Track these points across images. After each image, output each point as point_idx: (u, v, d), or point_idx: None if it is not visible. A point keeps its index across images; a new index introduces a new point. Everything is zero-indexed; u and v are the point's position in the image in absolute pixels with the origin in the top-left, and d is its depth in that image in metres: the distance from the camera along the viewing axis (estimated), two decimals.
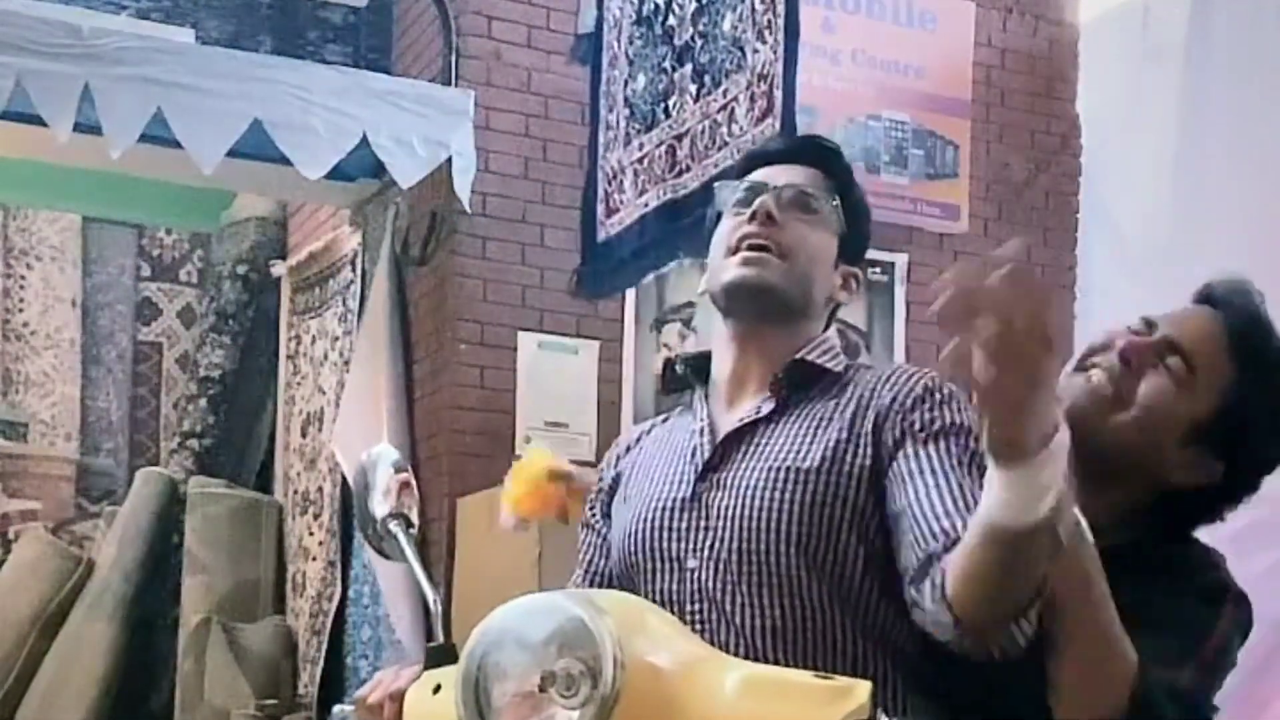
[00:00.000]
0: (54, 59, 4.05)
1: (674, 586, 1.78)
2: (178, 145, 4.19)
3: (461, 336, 4.73)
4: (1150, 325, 1.82)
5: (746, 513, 1.75)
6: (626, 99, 4.13)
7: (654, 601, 1.70)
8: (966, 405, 1.73)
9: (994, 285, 1.37)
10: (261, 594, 5.76)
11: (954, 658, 1.61)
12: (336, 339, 5.57)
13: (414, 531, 1.74)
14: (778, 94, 3.46)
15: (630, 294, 4.78)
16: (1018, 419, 1.40)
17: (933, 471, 1.69)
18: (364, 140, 4.34)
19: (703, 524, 1.78)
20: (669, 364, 1.98)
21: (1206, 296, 1.86)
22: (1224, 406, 1.77)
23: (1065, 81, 5.47)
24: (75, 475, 6.62)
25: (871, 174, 5.01)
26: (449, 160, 4.43)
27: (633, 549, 1.83)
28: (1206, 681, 1.69)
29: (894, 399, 1.76)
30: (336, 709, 1.71)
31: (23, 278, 6.60)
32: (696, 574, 1.77)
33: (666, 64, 3.94)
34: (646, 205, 3.98)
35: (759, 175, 1.90)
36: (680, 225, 3.76)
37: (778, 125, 3.42)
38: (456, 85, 4.71)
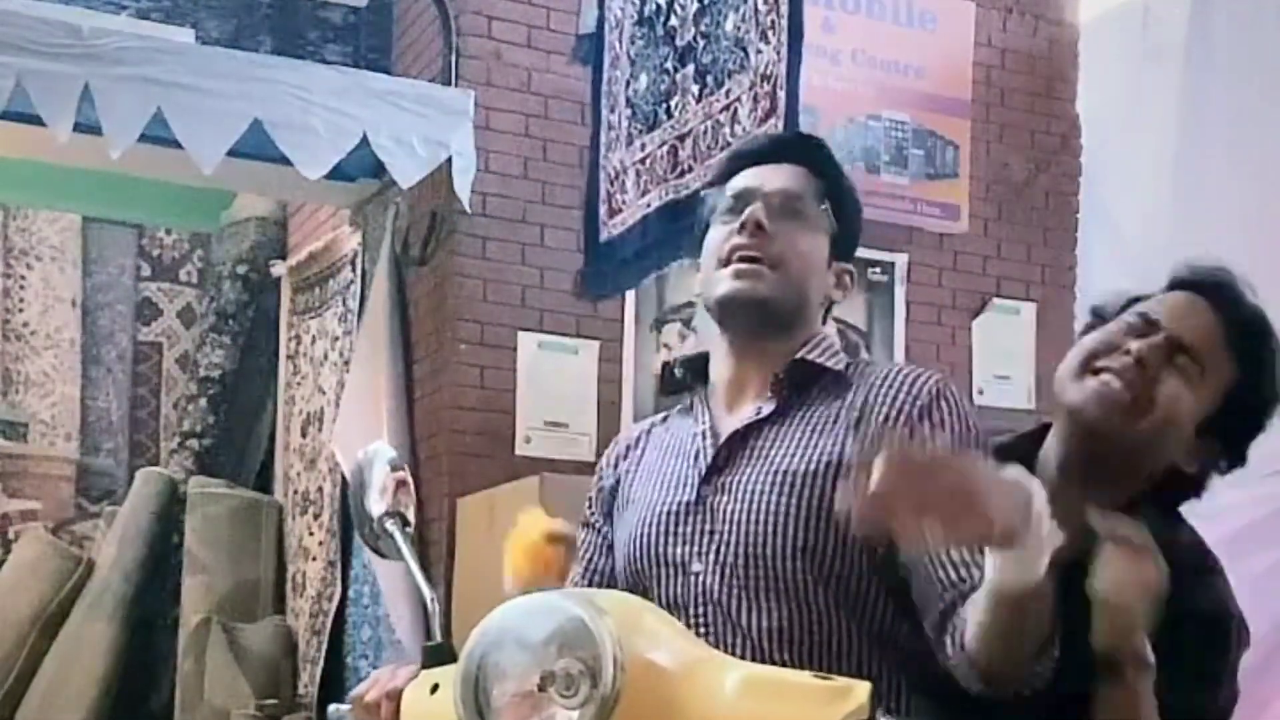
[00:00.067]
0: (54, 59, 4.04)
1: (679, 591, 1.78)
2: (178, 145, 4.18)
3: (461, 336, 4.73)
4: (1150, 323, 1.83)
5: (751, 517, 1.75)
6: (628, 99, 4.13)
7: (659, 606, 1.69)
8: (970, 413, 1.78)
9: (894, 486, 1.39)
10: (261, 594, 5.76)
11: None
12: (336, 339, 5.57)
13: (410, 530, 1.74)
14: (781, 95, 3.45)
15: (630, 294, 4.78)
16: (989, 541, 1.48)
17: None
18: (364, 140, 4.34)
19: (707, 528, 1.78)
20: (667, 367, 1.98)
21: (1191, 284, 1.88)
22: (1227, 396, 1.82)
23: (1065, 81, 5.47)
24: (75, 475, 6.62)
25: (871, 174, 5.01)
26: (449, 160, 4.43)
27: (638, 554, 1.83)
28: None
29: (898, 406, 1.77)
30: (332, 709, 1.71)
31: (23, 278, 6.60)
32: (702, 578, 1.76)
33: (668, 64, 3.93)
34: (649, 206, 3.98)
35: (746, 178, 1.87)
36: (683, 225, 3.75)
37: (781, 126, 3.42)
38: (456, 85, 4.70)
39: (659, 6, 3.99)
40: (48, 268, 6.63)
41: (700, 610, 1.75)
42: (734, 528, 1.75)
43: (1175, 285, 1.89)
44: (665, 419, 1.97)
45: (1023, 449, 1.87)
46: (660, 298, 4.89)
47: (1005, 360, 5.24)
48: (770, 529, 1.73)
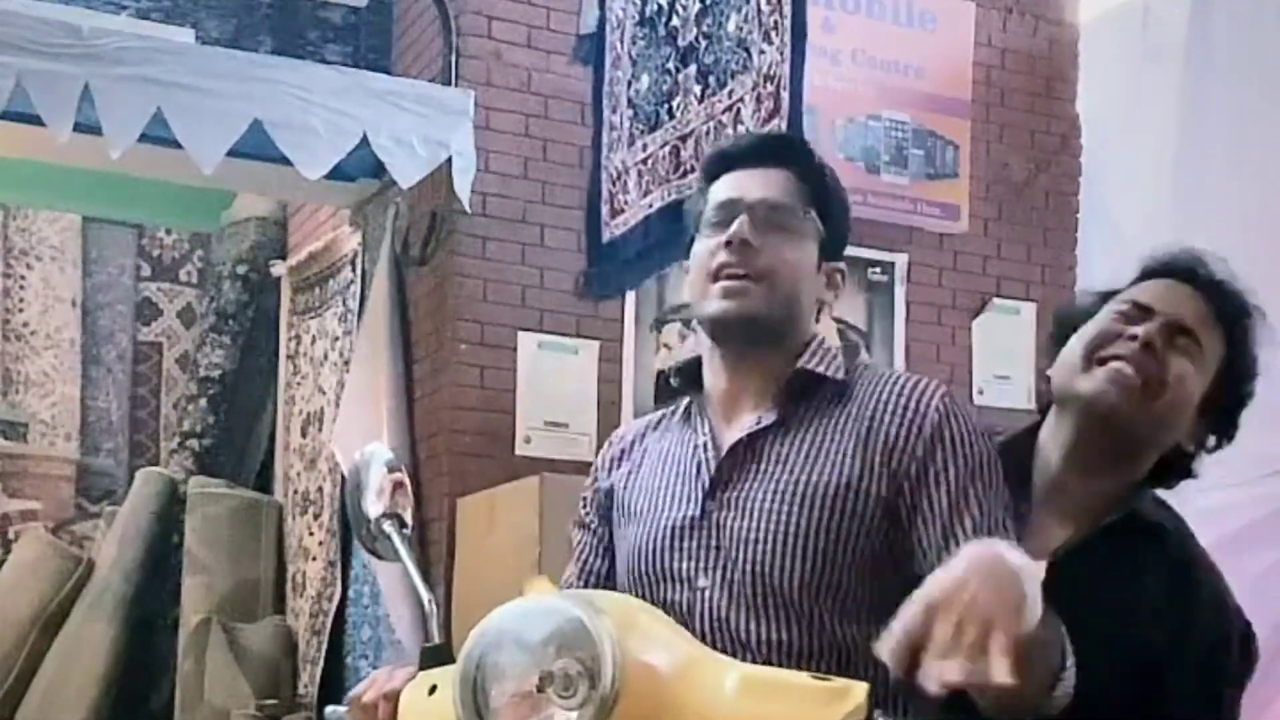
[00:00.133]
0: (54, 59, 4.04)
1: (684, 606, 1.77)
2: (178, 145, 4.18)
3: (461, 336, 4.73)
4: (1144, 309, 1.87)
5: (757, 534, 1.74)
6: (630, 99, 4.13)
7: None
8: (977, 427, 1.78)
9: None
10: (261, 594, 5.76)
11: None
12: (336, 339, 5.57)
13: (408, 532, 1.74)
14: (785, 95, 3.45)
15: (630, 294, 4.78)
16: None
17: (958, 542, 1.66)
18: (364, 140, 4.33)
19: (713, 544, 1.78)
20: (662, 375, 1.98)
21: (1164, 271, 1.92)
22: (1221, 375, 1.87)
23: (1065, 81, 5.47)
24: (75, 475, 6.62)
25: (871, 174, 5.01)
26: (449, 160, 4.42)
27: (642, 568, 1.82)
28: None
29: (906, 425, 1.76)
30: (329, 709, 1.70)
31: (23, 278, 6.60)
32: (707, 593, 1.76)
33: (670, 65, 3.93)
34: (651, 206, 3.98)
35: (730, 184, 1.85)
36: (685, 226, 3.75)
37: (784, 126, 3.41)
38: (456, 85, 4.70)
39: (660, 7, 3.99)
40: (48, 268, 6.63)
41: (705, 625, 1.75)
42: (742, 546, 1.75)
43: (1149, 274, 1.93)
44: (659, 423, 1.95)
45: (1021, 446, 1.92)
46: (660, 298, 4.89)
47: (1005, 360, 5.24)
48: (779, 547, 1.73)
